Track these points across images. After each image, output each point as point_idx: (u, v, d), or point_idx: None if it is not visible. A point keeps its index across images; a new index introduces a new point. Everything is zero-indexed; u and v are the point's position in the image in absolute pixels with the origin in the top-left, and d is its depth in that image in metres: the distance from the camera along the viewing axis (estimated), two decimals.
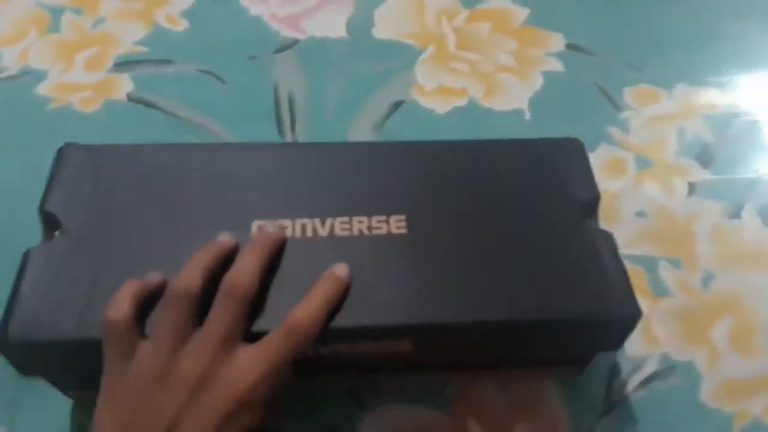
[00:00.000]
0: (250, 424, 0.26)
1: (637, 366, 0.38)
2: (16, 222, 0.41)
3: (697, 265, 0.42)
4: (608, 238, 0.33)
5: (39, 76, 0.50)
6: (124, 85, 0.49)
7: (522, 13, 0.57)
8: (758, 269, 0.42)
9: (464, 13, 0.57)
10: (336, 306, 0.29)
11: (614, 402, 0.37)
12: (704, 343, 0.39)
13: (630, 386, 0.37)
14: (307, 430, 0.35)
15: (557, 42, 0.55)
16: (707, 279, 0.42)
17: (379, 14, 0.56)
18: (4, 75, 0.49)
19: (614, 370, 0.38)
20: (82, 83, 0.49)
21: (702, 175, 0.47)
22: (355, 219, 0.33)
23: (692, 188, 0.46)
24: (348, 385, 0.36)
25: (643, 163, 0.47)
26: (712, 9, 0.58)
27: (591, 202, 0.35)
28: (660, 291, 0.41)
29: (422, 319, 0.30)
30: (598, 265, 0.32)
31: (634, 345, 0.39)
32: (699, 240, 0.43)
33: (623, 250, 0.36)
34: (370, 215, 0.33)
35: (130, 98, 0.49)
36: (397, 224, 0.33)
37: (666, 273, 0.42)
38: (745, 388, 0.37)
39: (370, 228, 0.32)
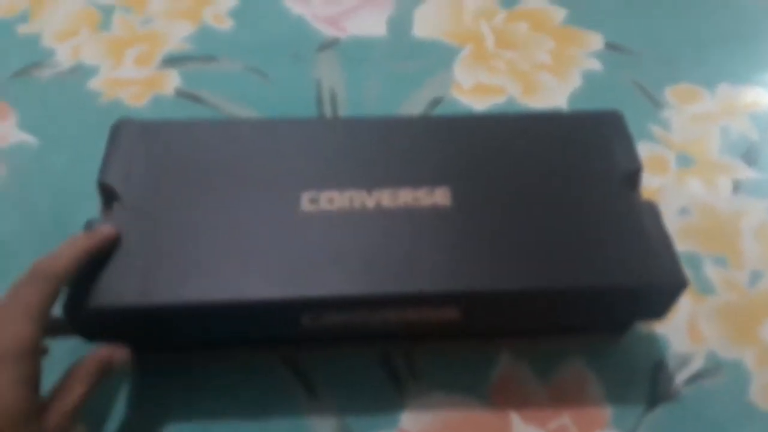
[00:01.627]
0: None
1: (683, 363, 0.37)
2: (70, 210, 0.42)
3: (743, 263, 0.41)
4: (652, 208, 0.34)
5: (90, 71, 0.51)
6: (172, 80, 0.51)
7: (560, 13, 0.57)
8: None
9: (502, 14, 0.57)
10: (93, 254, 0.30)
11: (659, 398, 0.36)
12: (753, 342, 0.38)
13: (676, 383, 0.37)
14: (349, 416, 0.35)
15: (596, 41, 0.55)
16: (755, 278, 0.41)
17: (419, 14, 0.57)
18: (57, 70, 0.51)
19: (659, 366, 0.37)
20: (131, 78, 0.51)
21: (747, 173, 0.46)
22: (401, 191, 0.33)
23: (737, 186, 0.45)
24: (388, 370, 0.36)
25: (686, 161, 0.47)
26: (751, 8, 0.58)
27: (633, 174, 0.35)
28: (705, 289, 0.40)
29: (469, 287, 0.30)
30: (643, 234, 0.32)
31: (679, 342, 0.38)
32: (745, 238, 0.43)
33: None
34: (415, 187, 0.33)
35: (178, 93, 0.50)
36: (441, 196, 0.33)
37: (711, 271, 0.41)
38: None
39: (415, 199, 0.33)
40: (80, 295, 0.29)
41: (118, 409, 0.35)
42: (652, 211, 0.33)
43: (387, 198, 0.33)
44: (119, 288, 0.29)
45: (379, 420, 0.35)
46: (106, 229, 0.31)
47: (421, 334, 0.34)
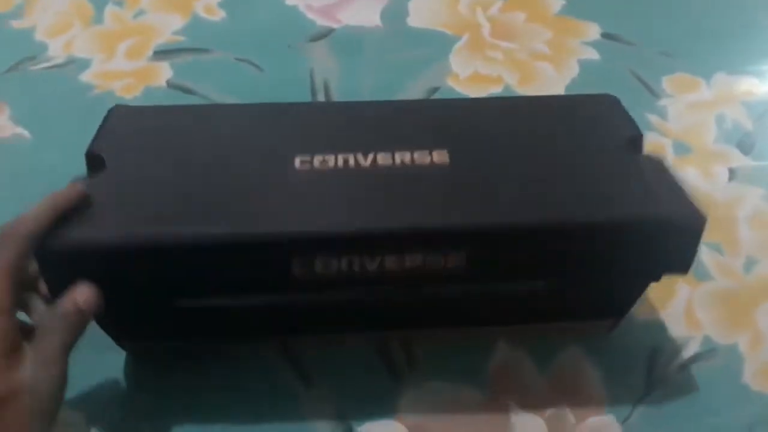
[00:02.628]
0: None
1: (679, 348, 0.37)
2: None
3: (738, 250, 0.42)
4: (659, 161, 0.33)
5: (83, 64, 0.51)
6: (164, 72, 0.51)
7: (557, 3, 0.57)
8: None
9: (498, 3, 0.57)
10: (61, 210, 0.29)
11: (655, 383, 0.36)
12: (747, 326, 0.38)
13: (671, 368, 0.37)
14: (346, 405, 0.35)
15: (593, 31, 0.55)
16: (750, 264, 0.41)
17: (414, 4, 0.57)
18: (50, 64, 0.51)
19: (655, 352, 0.37)
20: (123, 71, 0.51)
21: (742, 161, 0.46)
22: (398, 153, 0.32)
23: (733, 174, 0.45)
24: (386, 359, 0.36)
25: (682, 149, 0.47)
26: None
27: (635, 140, 0.34)
28: (701, 275, 0.40)
29: (475, 222, 0.29)
30: (658, 179, 0.31)
31: (676, 328, 0.38)
32: (740, 225, 0.43)
33: None
34: (412, 150, 0.32)
35: (170, 85, 0.50)
36: (439, 156, 0.32)
37: (707, 257, 0.41)
38: None
39: (412, 159, 0.32)
40: (53, 240, 0.28)
41: (116, 402, 0.35)
42: (659, 164, 0.32)
43: (383, 158, 0.32)
44: (96, 228, 0.28)
45: (377, 409, 0.35)
46: (73, 187, 0.31)
47: (426, 295, 0.33)
